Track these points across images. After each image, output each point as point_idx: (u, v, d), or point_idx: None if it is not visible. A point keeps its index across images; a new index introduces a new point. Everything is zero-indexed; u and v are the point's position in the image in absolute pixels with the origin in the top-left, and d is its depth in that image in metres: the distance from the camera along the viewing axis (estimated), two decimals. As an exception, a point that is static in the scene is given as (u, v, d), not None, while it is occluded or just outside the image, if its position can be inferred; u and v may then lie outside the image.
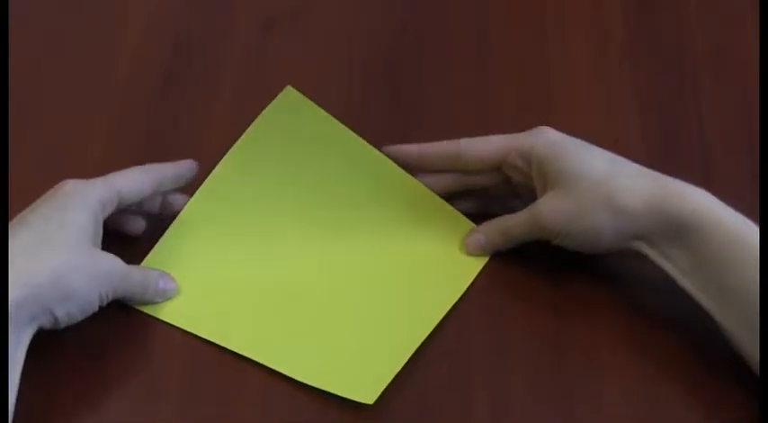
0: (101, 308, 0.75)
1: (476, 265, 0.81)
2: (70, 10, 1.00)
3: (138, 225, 0.81)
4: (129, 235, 0.82)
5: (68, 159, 0.88)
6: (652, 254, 0.75)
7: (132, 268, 0.77)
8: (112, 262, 0.75)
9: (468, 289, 0.80)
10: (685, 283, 0.74)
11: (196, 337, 0.78)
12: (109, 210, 0.76)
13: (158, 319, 0.78)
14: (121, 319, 0.78)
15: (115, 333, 0.78)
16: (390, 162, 0.83)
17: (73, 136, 0.90)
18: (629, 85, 0.94)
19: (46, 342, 0.74)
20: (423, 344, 0.77)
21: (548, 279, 0.81)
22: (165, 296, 0.78)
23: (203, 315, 0.77)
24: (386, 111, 0.92)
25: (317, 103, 0.84)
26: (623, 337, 0.78)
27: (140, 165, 0.81)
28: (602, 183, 0.75)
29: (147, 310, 0.78)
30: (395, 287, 0.80)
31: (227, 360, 0.77)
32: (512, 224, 0.80)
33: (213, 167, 0.84)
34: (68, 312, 0.72)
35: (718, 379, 0.75)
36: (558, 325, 0.79)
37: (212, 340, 0.77)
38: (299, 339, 0.77)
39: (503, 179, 0.81)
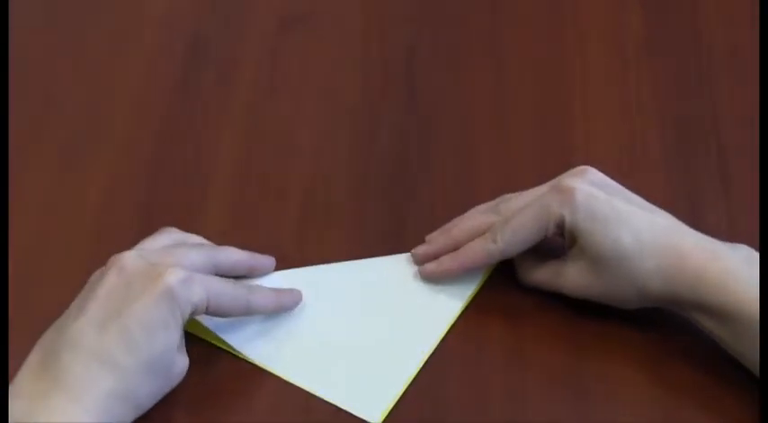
0: None
1: (478, 277, 0.81)
2: (87, 10, 1.00)
3: None
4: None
5: (83, 158, 0.88)
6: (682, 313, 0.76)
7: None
8: (181, 369, 0.72)
9: (481, 292, 0.80)
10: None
11: (208, 342, 0.77)
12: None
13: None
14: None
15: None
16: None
17: (88, 136, 0.90)
18: (645, 84, 0.94)
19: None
20: (438, 347, 0.77)
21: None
22: None
23: (220, 326, 0.77)
24: (401, 110, 0.92)
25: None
26: (637, 344, 0.78)
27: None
28: (626, 265, 0.74)
29: None
30: (397, 304, 0.80)
31: (239, 363, 0.76)
32: (530, 276, 0.79)
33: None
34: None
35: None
36: (573, 326, 0.79)
37: (226, 348, 0.77)
38: (311, 352, 0.77)
39: None
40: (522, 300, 0.80)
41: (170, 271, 0.69)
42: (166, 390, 0.71)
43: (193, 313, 0.71)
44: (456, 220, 0.80)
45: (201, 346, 0.76)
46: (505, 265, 0.80)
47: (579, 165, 0.80)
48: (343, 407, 0.74)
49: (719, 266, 0.73)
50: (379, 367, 0.76)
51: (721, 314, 0.72)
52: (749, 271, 0.73)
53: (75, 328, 0.67)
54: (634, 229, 0.74)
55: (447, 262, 0.79)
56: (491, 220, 0.78)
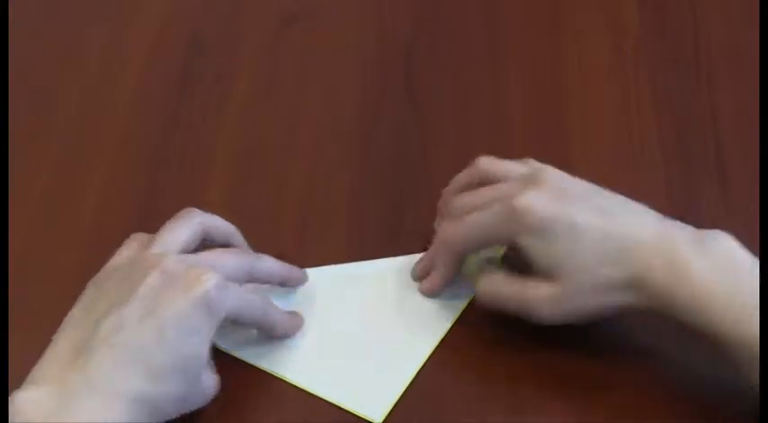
0: None
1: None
2: (85, 11, 1.01)
3: None
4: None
5: (82, 157, 0.89)
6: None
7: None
8: (210, 386, 0.72)
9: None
10: None
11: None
12: None
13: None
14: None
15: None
16: None
17: (87, 134, 0.91)
18: (644, 81, 0.94)
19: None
20: (438, 347, 0.77)
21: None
22: None
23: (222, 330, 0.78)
24: (400, 109, 0.92)
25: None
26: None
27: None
28: (587, 282, 0.71)
29: None
30: (398, 305, 0.80)
31: (239, 365, 0.76)
32: (496, 293, 0.76)
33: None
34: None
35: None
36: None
37: (229, 352, 0.77)
38: (312, 353, 0.77)
39: None
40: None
41: (209, 277, 0.69)
42: (192, 405, 0.70)
43: (224, 321, 0.71)
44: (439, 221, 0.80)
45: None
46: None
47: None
48: (344, 406, 0.74)
49: (686, 284, 0.69)
50: (381, 367, 0.76)
51: (691, 332, 0.70)
52: (719, 286, 0.69)
53: (110, 323, 0.67)
54: (591, 244, 0.71)
55: (427, 283, 0.79)
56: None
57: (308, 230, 0.84)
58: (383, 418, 0.73)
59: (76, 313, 0.70)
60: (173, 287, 0.68)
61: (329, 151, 0.89)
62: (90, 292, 0.71)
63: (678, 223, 0.73)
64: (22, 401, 0.64)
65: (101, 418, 0.64)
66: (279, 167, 0.88)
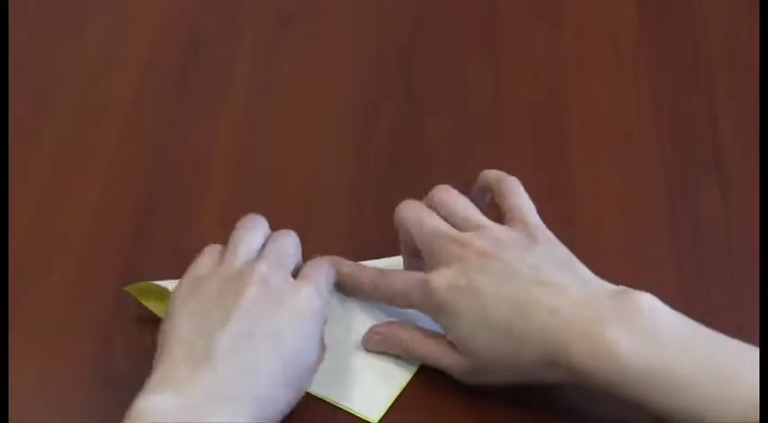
0: None
1: None
2: (85, 9, 1.00)
3: None
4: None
5: (81, 155, 0.89)
6: None
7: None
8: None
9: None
10: None
11: None
12: None
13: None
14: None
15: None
16: None
17: (85, 134, 0.90)
18: (642, 79, 0.94)
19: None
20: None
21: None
22: None
23: None
24: (400, 108, 0.92)
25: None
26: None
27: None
28: (504, 365, 0.70)
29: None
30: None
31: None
32: (420, 353, 0.75)
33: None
34: None
35: None
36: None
37: None
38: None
39: None
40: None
41: (312, 290, 0.72)
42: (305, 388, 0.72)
43: None
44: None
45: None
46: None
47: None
48: (341, 405, 0.74)
49: (610, 364, 0.66)
50: (378, 366, 0.76)
51: (620, 400, 0.67)
52: (643, 359, 0.65)
53: (225, 335, 0.68)
54: (501, 321, 0.69)
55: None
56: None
57: (307, 230, 0.84)
58: (380, 416, 0.73)
59: (181, 323, 0.70)
60: (280, 300, 0.70)
61: (328, 150, 0.89)
62: (188, 300, 0.71)
63: (604, 287, 0.70)
64: (149, 406, 0.65)
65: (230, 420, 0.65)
66: (278, 166, 0.88)
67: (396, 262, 0.81)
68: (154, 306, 0.77)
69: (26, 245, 0.82)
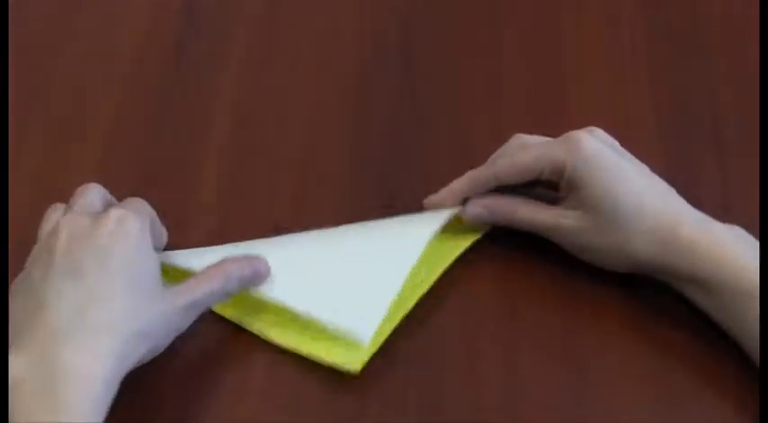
0: None
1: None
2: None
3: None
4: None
5: (78, 131, 0.88)
6: (673, 285, 0.76)
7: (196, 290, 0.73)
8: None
9: (472, 258, 0.80)
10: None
11: (197, 337, 0.76)
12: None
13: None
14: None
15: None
16: None
17: (84, 107, 0.90)
18: (640, 56, 0.94)
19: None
20: (430, 308, 0.77)
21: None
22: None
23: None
24: (396, 81, 0.92)
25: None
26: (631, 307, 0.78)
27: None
28: (623, 222, 0.75)
29: None
30: (376, 231, 0.80)
31: (229, 360, 0.76)
32: (527, 219, 0.79)
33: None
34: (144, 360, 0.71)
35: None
36: (565, 289, 0.79)
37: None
38: (294, 270, 0.77)
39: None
40: (513, 264, 0.80)
41: (121, 212, 0.72)
42: (167, 319, 0.71)
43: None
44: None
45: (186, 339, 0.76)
46: (497, 230, 0.80)
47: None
48: (330, 324, 0.74)
49: (712, 238, 0.74)
50: (364, 283, 0.76)
51: (710, 285, 0.73)
52: (741, 246, 0.74)
53: (50, 279, 0.68)
54: (636, 189, 0.75)
55: (445, 188, 0.80)
56: None
57: (304, 201, 0.84)
58: (370, 339, 0.73)
59: (20, 284, 0.71)
60: (90, 232, 0.70)
61: (325, 122, 0.89)
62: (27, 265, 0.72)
63: None
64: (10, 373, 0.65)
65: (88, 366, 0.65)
66: (275, 139, 0.88)
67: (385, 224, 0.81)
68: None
69: (25, 223, 0.81)
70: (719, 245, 0.73)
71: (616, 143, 0.78)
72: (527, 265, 0.79)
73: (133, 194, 0.79)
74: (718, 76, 0.92)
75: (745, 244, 0.74)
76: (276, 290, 0.76)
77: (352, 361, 0.73)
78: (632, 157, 0.78)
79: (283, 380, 0.75)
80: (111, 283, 0.68)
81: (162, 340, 0.71)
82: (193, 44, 0.95)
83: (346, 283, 0.76)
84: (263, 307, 0.77)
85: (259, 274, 0.76)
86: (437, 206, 0.80)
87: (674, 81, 0.92)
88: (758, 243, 0.74)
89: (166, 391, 0.74)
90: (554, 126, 0.87)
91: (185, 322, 0.72)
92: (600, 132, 0.78)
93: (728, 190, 0.85)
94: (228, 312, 0.77)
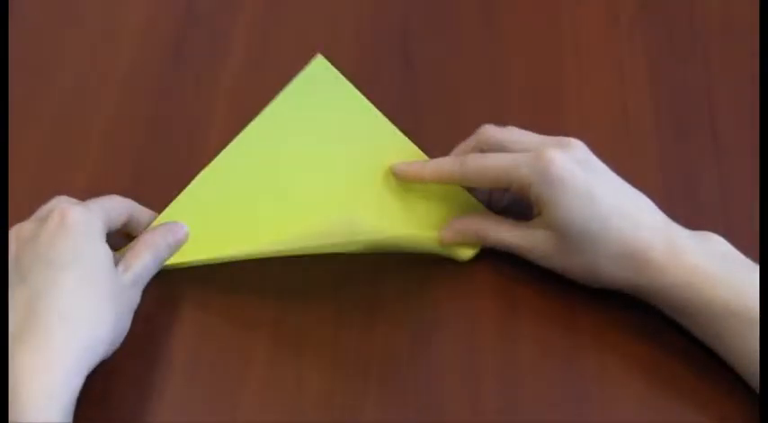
0: None
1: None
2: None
3: None
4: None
5: (77, 131, 0.89)
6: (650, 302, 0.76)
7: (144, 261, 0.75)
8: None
9: (473, 272, 0.81)
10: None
11: (195, 335, 0.77)
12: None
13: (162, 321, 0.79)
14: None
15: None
16: (409, 142, 0.83)
17: (83, 107, 0.90)
18: (639, 53, 0.94)
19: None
20: (429, 309, 0.78)
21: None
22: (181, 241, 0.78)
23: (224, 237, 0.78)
24: (397, 78, 0.92)
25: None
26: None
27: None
28: (590, 247, 0.74)
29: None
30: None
31: (227, 360, 0.77)
32: (498, 240, 0.79)
33: (221, 140, 0.83)
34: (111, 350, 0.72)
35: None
36: (567, 307, 0.79)
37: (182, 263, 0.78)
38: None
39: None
40: (513, 265, 0.80)
41: (61, 208, 0.72)
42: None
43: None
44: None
45: (184, 339, 0.77)
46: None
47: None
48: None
49: (682, 261, 0.72)
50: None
51: (683, 308, 0.73)
52: (712, 264, 0.72)
53: (15, 290, 0.69)
54: (603, 213, 0.73)
55: (416, 165, 0.80)
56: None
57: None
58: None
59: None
60: (32, 235, 0.70)
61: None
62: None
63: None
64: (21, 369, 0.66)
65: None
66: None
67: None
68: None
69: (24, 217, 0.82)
70: (690, 268, 0.72)
71: (591, 157, 0.77)
72: (527, 265, 0.79)
73: (132, 195, 0.79)
74: (716, 75, 0.92)
75: (715, 258, 0.73)
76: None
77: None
78: (605, 172, 0.76)
79: (282, 380, 0.75)
80: (57, 278, 0.68)
81: (120, 322, 0.72)
82: (192, 44, 0.94)
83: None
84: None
85: (180, 240, 0.77)
86: (402, 175, 0.80)
87: (673, 81, 0.92)
88: (732, 249, 0.74)
89: (165, 391, 0.75)
90: (553, 126, 0.87)
91: (135, 298, 0.73)
92: (576, 146, 0.76)
93: (726, 189, 0.85)
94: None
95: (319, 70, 0.83)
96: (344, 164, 0.82)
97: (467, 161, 0.78)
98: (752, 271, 0.72)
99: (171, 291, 0.79)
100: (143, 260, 0.74)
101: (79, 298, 0.69)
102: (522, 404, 0.75)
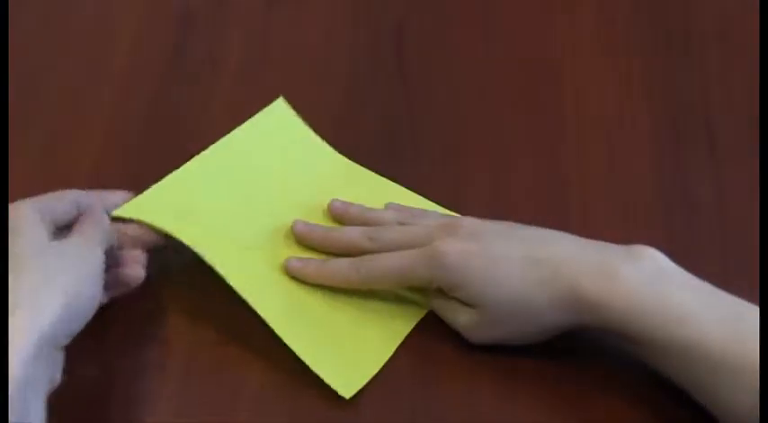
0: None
1: None
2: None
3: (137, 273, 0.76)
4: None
5: (76, 132, 0.88)
6: None
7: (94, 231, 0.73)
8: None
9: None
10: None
11: (192, 339, 0.77)
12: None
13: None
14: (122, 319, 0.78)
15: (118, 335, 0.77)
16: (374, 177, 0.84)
17: (82, 108, 0.90)
18: (635, 57, 0.94)
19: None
20: (427, 314, 0.77)
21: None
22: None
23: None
24: (391, 87, 0.92)
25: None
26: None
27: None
28: (515, 314, 0.72)
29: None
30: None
31: (223, 364, 0.77)
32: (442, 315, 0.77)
33: (219, 137, 0.84)
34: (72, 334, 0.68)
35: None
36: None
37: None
38: (303, 311, 0.77)
39: None
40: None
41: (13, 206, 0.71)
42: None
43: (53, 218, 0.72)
44: (338, 229, 0.80)
45: (182, 339, 0.77)
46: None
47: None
48: (317, 371, 0.74)
49: (611, 291, 0.69)
50: (360, 336, 0.76)
51: (632, 339, 0.70)
52: (650, 288, 0.69)
53: None
54: (515, 271, 0.72)
55: (311, 268, 0.77)
56: (366, 245, 0.77)
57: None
58: (352, 394, 0.73)
59: None
60: None
61: (318, 128, 0.87)
62: None
63: (601, 241, 0.73)
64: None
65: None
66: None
67: None
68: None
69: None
70: (621, 296, 0.69)
71: (484, 226, 0.75)
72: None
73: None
74: (711, 76, 0.92)
75: (654, 283, 0.70)
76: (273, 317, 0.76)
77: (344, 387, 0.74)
78: (498, 232, 0.74)
79: (279, 384, 0.75)
80: (14, 265, 0.67)
81: (87, 286, 0.69)
82: (190, 46, 0.94)
83: (341, 335, 0.76)
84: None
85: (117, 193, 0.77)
86: (297, 275, 0.78)
87: (669, 82, 0.92)
88: (664, 262, 0.71)
89: (163, 394, 0.75)
90: (551, 127, 0.88)
91: (93, 260, 0.71)
92: (466, 224, 0.75)
93: (723, 191, 0.85)
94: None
95: (278, 110, 0.84)
96: (294, 200, 0.82)
97: (362, 267, 0.76)
98: (681, 288, 0.70)
99: (170, 292, 0.79)
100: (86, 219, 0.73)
101: (38, 279, 0.66)
102: (519, 410, 0.74)
